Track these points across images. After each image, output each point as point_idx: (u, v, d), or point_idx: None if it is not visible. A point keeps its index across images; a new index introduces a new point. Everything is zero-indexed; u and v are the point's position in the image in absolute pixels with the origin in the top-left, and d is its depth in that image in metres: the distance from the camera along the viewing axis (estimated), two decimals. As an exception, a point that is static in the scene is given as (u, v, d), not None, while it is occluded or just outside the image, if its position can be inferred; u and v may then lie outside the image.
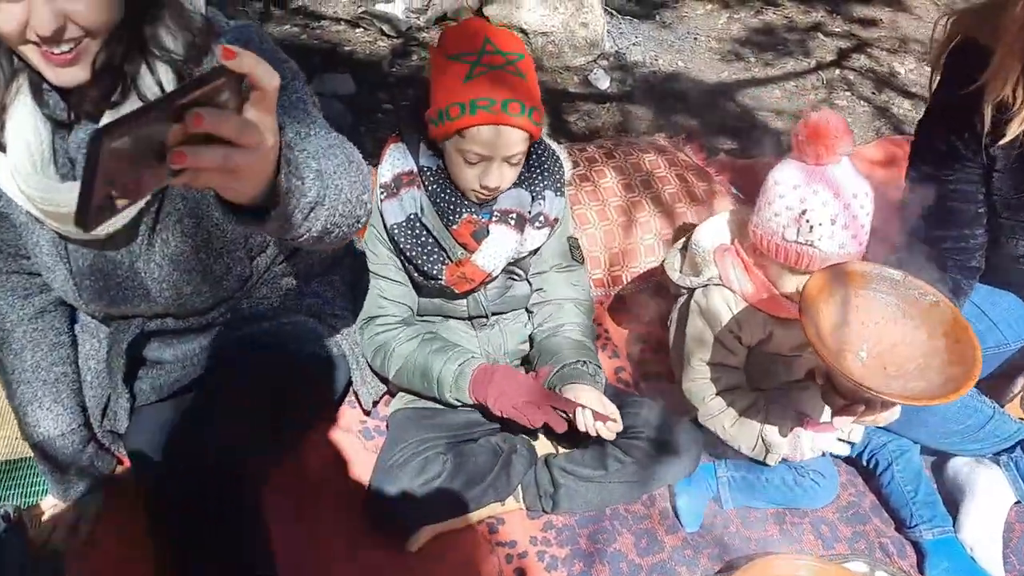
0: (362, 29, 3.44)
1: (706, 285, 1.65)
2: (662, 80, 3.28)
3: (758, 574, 1.52)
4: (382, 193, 1.61)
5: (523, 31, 3.26)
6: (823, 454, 1.53)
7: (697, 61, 3.42)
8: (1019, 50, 1.39)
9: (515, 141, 1.51)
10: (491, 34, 1.52)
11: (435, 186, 1.59)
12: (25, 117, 1.19)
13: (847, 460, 1.79)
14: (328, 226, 1.07)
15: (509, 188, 1.61)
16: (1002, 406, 1.72)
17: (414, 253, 1.60)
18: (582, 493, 1.64)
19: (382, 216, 1.61)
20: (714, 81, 3.21)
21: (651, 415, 1.66)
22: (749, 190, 2.38)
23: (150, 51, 1.18)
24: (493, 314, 1.71)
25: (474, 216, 1.61)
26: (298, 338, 1.54)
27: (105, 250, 1.31)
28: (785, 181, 1.54)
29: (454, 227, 1.60)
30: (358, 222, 1.18)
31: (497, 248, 1.60)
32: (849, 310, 1.45)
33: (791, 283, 1.58)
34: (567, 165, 1.74)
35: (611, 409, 1.55)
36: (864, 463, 1.75)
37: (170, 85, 1.19)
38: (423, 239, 1.60)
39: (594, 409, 1.52)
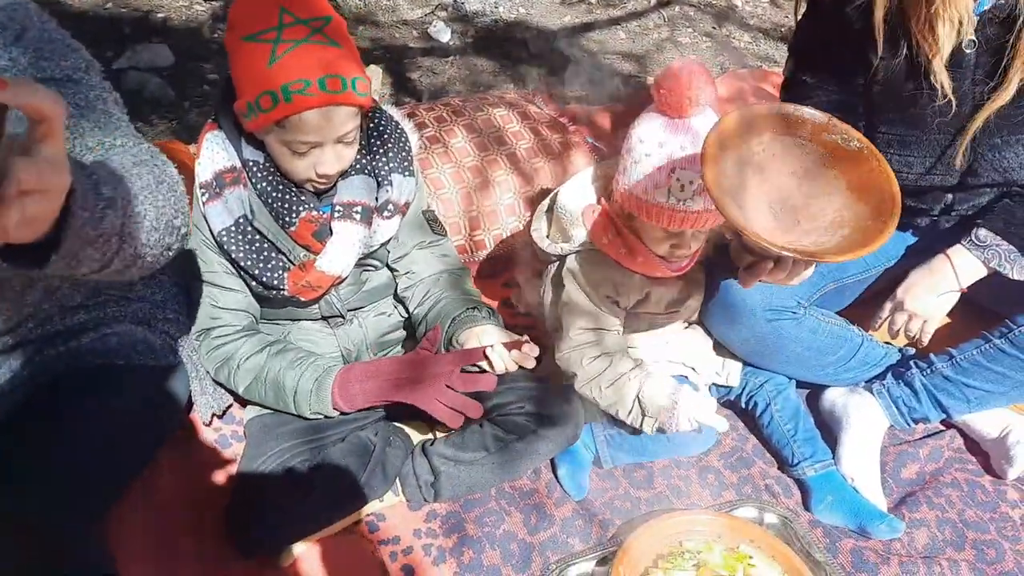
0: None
1: (578, 251, 1.57)
2: (504, 29, 3.16)
3: (651, 539, 1.48)
4: (204, 194, 1.43)
5: (349, -13, 3.06)
6: (699, 429, 1.49)
7: (539, 7, 3.31)
8: None
9: (344, 119, 1.35)
10: (286, 1, 1.30)
11: (264, 183, 1.42)
12: None
13: (727, 404, 1.78)
14: (128, 260, 0.91)
15: (350, 175, 1.45)
16: (869, 332, 1.73)
17: (249, 263, 1.43)
18: (464, 478, 1.54)
19: (206, 220, 1.42)
20: (557, 27, 3.12)
21: (529, 388, 1.58)
22: (605, 139, 2.32)
23: None
24: (350, 311, 1.58)
25: (313, 213, 1.44)
26: (126, 350, 1.36)
27: None
28: (650, 138, 1.46)
29: (292, 228, 1.43)
30: (168, 250, 1.02)
31: (342, 248, 1.45)
32: (765, 159, 1.37)
33: (664, 243, 1.52)
34: (413, 137, 1.59)
35: (519, 336, 1.45)
36: (743, 405, 1.73)
37: None
38: (257, 245, 1.43)
39: (503, 343, 1.42)
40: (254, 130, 1.37)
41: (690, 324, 1.71)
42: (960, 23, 1.36)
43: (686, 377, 1.65)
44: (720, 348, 1.71)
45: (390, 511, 1.55)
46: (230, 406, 1.60)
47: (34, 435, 1.20)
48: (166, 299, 1.47)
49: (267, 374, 1.48)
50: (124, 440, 1.30)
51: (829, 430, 1.71)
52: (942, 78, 1.40)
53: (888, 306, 1.61)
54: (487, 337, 1.46)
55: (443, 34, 3.06)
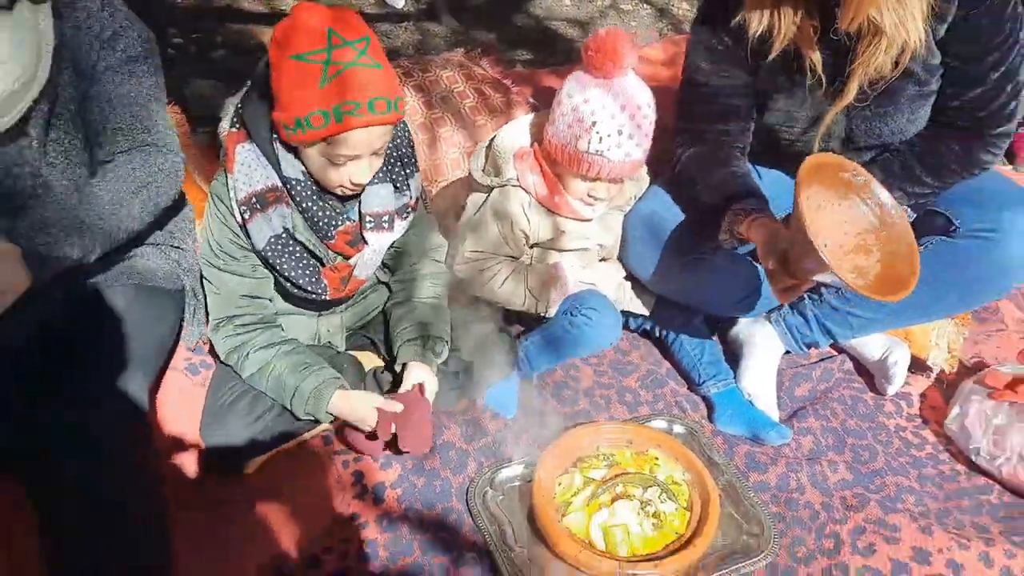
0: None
1: (504, 185, 1.77)
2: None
3: (571, 445, 1.70)
4: (244, 211, 1.51)
5: None
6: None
7: (489, -24, 3.49)
8: None
9: (383, 135, 1.47)
10: (334, 22, 1.38)
11: (308, 203, 1.51)
12: None
13: (643, 334, 1.99)
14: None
15: (374, 183, 1.57)
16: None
17: (293, 273, 1.55)
18: (408, 402, 1.74)
19: (248, 235, 1.52)
20: (506, -6, 3.29)
21: (467, 328, 1.78)
22: (547, 100, 2.50)
23: None
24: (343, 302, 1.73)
25: (349, 224, 1.56)
26: (149, 274, 1.54)
27: None
28: (576, 94, 1.67)
29: (331, 241, 1.55)
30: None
31: (375, 254, 1.61)
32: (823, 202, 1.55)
33: (581, 188, 1.73)
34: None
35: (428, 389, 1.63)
36: (657, 335, 1.95)
37: None
38: (298, 256, 1.54)
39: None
40: (295, 141, 1.44)
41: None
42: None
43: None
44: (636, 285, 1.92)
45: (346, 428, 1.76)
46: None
47: (83, 352, 1.38)
48: (174, 230, 1.62)
49: (272, 370, 1.58)
50: (151, 352, 1.50)
51: (736, 357, 1.93)
52: (814, 59, 1.60)
53: None
54: (413, 375, 1.62)
55: (398, 2, 3.22)
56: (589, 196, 1.71)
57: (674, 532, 1.58)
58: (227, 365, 1.62)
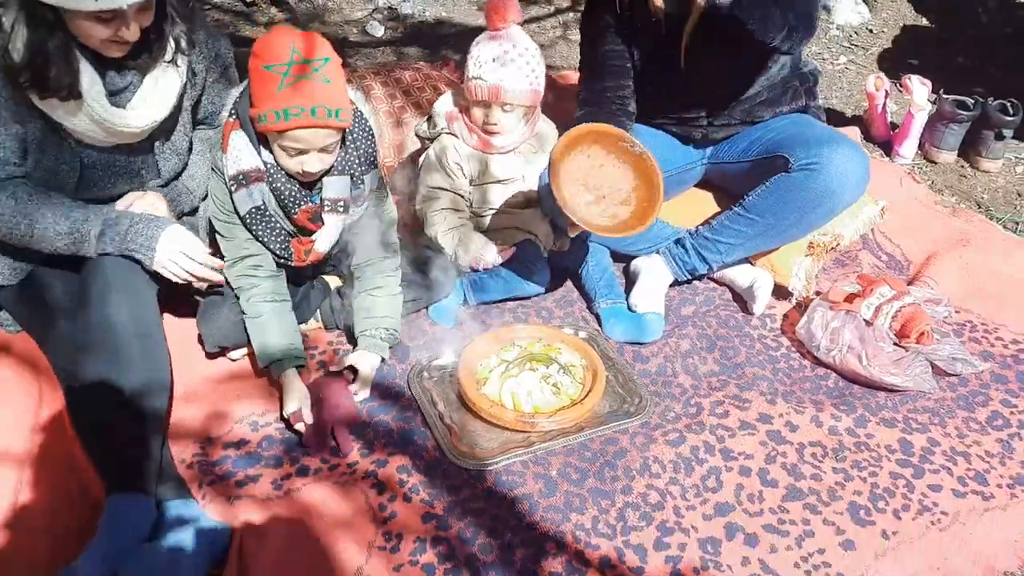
0: None
1: (438, 135, 2.25)
2: (430, 27, 3.86)
3: (491, 340, 2.13)
4: (232, 184, 1.88)
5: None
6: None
7: (458, 10, 4.03)
8: None
9: (325, 136, 1.81)
10: (299, 43, 1.75)
11: (277, 183, 1.89)
12: (86, 77, 1.73)
13: (564, 269, 2.43)
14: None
15: (333, 174, 1.93)
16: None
17: (266, 237, 1.94)
18: (363, 312, 2.17)
19: (233, 202, 1.90)
20: (474, 26, 3.81)
21: (415, 257, 2.23)
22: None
23: (172, 27, 1.82)
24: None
25: (310, 204, 1.95)
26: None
27: (116, 153, 1.88)
28: (476, 43, 2.20)
29: (294, 216, 1.94)
30: None
31: (332, 232, 1.99)
32: (589, 159, 2.10)
33: (479, 116, 2.21)
34: (375, 128, 2.09)
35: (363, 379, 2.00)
36: (570, 266, 2.40)
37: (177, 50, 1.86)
38: (270, 226, 1.94)
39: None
40: (262, 132, 1.84)
41: (531, 206, 2.38)
42: None
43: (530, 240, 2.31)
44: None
45: (312, 333, 2.19)
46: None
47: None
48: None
49: (262, 320, 1.95)
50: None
51: (633, 284, 2.36)
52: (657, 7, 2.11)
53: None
54: (355, 361, 1.99)
55: (377, 30, 3.75)
56: (486, 124, 2.18)
57: (569, 399, 2.00)
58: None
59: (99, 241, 1.80)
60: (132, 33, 1.71)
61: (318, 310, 2.20)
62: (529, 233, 2.30)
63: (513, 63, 2.14)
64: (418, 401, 2.00)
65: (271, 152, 1.87)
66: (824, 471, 1.87)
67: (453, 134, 2.25)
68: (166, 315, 2.10)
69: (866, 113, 3.28)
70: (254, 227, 1.93)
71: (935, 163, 3.09)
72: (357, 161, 1.96)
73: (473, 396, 1.96)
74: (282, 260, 1.99)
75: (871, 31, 4.14)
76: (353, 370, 2.00)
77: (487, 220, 2.30)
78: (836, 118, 3.38)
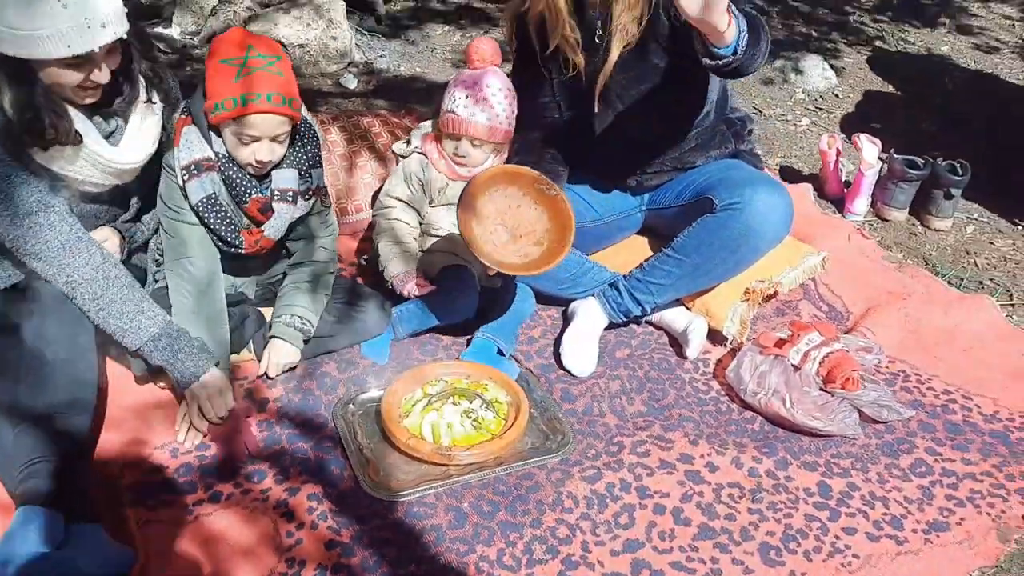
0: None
1: (412, 153, 2.35)
2: (402, 81, 3.95)
3: (418, 374, 2.14)
4: (184, 174, 1.98)
5: (281, 43, 3.85)
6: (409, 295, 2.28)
7: (432, 67, 4.13)
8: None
9: (278, 124, 1.95)
10: (253, 42, 1.95)
11: (229, 172, 2.00)
12: (80, 123, 1.85)
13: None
14: None
15: (282, 167, 2.05)
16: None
17: (217, 227, 2.03)
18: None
19: (184, 191, 2.00)
20: (443, 80, 3.91)
21: (349, 289, 2.29)
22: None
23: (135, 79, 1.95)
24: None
25: (259, 196, 2.06)
26: None
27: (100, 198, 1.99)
28: (455, 78, 2.28)
29: (245, 205, 2.05)
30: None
31: (281, 220, 2.08)
32: (506, 198, 2.15)
33: (449, 147, 2.29)
34: (320, 138, 2.24)
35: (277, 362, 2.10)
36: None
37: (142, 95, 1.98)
38: (221, 215, 2.03)
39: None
40: (216, 123, 1.95)
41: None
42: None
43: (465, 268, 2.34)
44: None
45: (244, 364, 2.21)
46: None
47: None
48: None
49: (186, 310, 2.03)
50: None
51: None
52: (578, 61, 2.19)
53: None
54: (274, 354, 2.10)
55: (350, 82, 3.85)
56: (455, 155, 2.25)
57: (490, 434, 2.00)
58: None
59: (153, 341, 1.92)
60: (103, 75, 1.80)
61: (251, 340, 2.22)
62: (466, 261, 2.32)
63: (485, 102, 2.22)
64: (340, 432, 2.00)
65: (223, 144, 2.00)
66: (739, 511, 1.86)
67: (424, 154, 2.31)
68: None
69: (821, 171, 3.33)
70: (205, 215, 2.01)
71: (887, 220, 3.13)
72: (304, 157, 2.09)
73: (393, 427, 1.96)
74: (232, 249, 2.06)
75: (837, 96, 4.23)
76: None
77: (432, 241, 2.34)
78: (793, 175, 3.44)
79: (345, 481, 1.89)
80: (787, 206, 2.18)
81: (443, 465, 1.92)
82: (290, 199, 2.08)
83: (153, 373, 2.05)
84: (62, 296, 1.87)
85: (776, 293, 2.47)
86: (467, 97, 2.21)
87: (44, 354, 1.79)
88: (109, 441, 1.94)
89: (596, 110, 2.28)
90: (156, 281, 2.14)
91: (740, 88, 4.19)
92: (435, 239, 2.35)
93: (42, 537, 1.61)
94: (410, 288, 2.25)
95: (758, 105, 4.09)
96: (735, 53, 1.83)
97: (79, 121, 1.84)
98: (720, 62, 1.85)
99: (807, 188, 3.18)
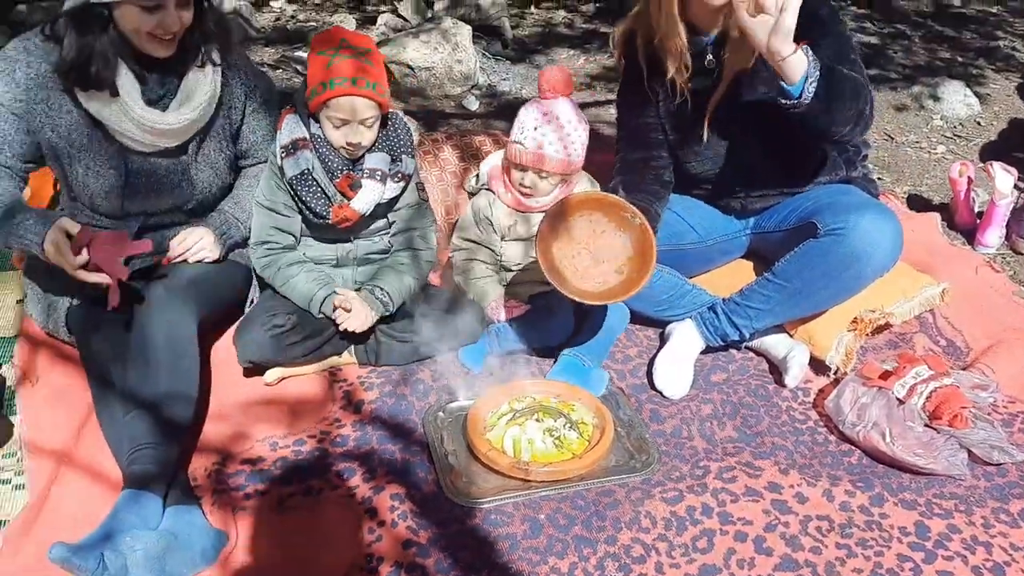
0: (281, 70, 4.20)
1: (480, 190, 2.37)
2: (522, 104, 4.03)
3: (508, 390, 2.17)
4: (282, 152, 2.13)
5: (409, 66, 4.02)
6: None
7: (554, 90, 4.21)
8: (658, 29, 2.13)
9: (365, 107, 2.06)
10: (347, 36, 2.09)
11: (323, 150, 2.14)
12: (127, 85, 2.00)
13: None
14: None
15: (375, 151, 2.19)
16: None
17: (308, 198, 2.17)
18: (397, 348, 2.28)
19: (282, 170, 2.14)
20: (565, 104, 3.97)
21: (447, 298, 2.34)
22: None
23: (206, 38, 2.08)
24: (355, 237, 2.32)
25: (350, 172, 2.19)
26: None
27: (158, 159, 2.12)
28: (525, 108, 2.31)
29: (336, 180, 2.18)
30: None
31: (368, 196, 2.19)
32: (589, 225, 2.15)
33: (516, 177, 2.32)
34: (415, 134, 2.43)
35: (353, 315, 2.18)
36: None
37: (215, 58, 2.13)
38: (313, 188, 2.17)
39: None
40: (312, 108, 2.10)
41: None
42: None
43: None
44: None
45: (346, 367, 2.30)
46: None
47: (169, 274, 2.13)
48: None
49: (292, 281, 2.20)
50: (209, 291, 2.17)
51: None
52: (686, 85, 2.17)
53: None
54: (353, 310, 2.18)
55: (472, 104, 3.97)
56: (522, 185, 2.27)
57: (571, 453, 2.00)
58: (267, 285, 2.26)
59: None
60: (173, 22, 1.95)
61: (352, 344, 2.31)
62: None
63: (554, 134, 2.23)
64: (428, 438, 2.05)
65: (320, 128, 2.14)
66: (826, 545, 1.78)
67: (492, 191, 2.35)
68: (219, 343, 2.30)
69: (952, 200, 3.16)
70: (299, 188, 2.14)
71: (1021, 254, 2.93)
72: (396, 143, 2.21)
73: (475, 438, 2.00)
74: (319, 220, 2.19)
75: (979, 123, 4.01)
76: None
77: (514, 275, 2.37)
78: (922, 204, 3.29)
79: (428, 485, 1.93)
80: (895, 233, 2.08)
81: (520, 479, 1.93)
82: (378, 178, 2.18)
83: (255, 364, 2.18)
84: (169, 290, 2.01)
85: (888, 324, 2.37)
86: (536, 128, 2.23)
87: (149, 346, 1.93)
88: (214, 431, 2.06)
89: (704, 136, 2.26)
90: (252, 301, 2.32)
91: (871, 114, 4.04)
92: (513, 272, 2.39)
93: (144, 516, 1.74)
94: (501, 315, 2.30)
95: (890, 131, 3.93)
96: (800, 96, 1.88)
97: (124, 77, 2.00)
98: (787, 102, 1.90)
99: (935, 217, 3.02)
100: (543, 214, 2.16)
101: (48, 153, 2.08)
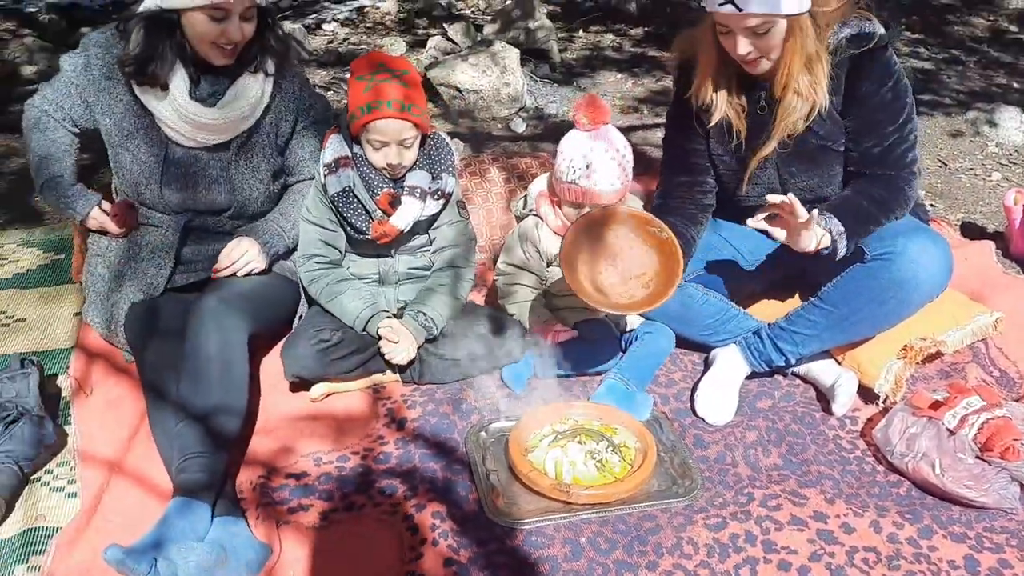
0: (332, 91, 4.29)
1: (527, 215, 2.38)
2: (568, 126, 4.04)
3: (549, 412, 2.17)
4: (326, 170, 2.21)
5: (457, 88, 4.07)
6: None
7: (601, 113, 4.22)
8: (713, 67, 2.14)
9: (404, 129, 2.15)
10: (384, 60, 2.20)
11: (363, 168, 2.23)
12: (178, 81, 2.14)
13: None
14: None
15: (415, 169, 2.25)
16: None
17: (349, 214, 2.23)
18: (440, 367, 2.30)
19: (325, 187, 2.23)
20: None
21: (491, 317, 2.36)
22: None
23: (264, 51, 2.22)
24: (397, 252, 2.36)
25: (391, 190, 2.25)
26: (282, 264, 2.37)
27: (199, 153, 2.23)
28: (564, 141, 2.29)
29: (376, 197, 2.24)
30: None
31: (408, 213, 2.24)
32: (617, 238, 2.17)
33: (572, 213, 2.31)
34: (456, 154, 2.47)
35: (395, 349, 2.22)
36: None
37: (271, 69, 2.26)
38: (354, 205, 2.23)
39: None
40: (355, 132, 2.20)
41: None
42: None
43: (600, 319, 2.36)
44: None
45: (389, 384, 2.33)
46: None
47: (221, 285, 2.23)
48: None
49: (340, 299, 2.26)
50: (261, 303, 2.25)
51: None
52: (740, 127, 2.17)
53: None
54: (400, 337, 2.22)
55: (519, 126, 4.00)
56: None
57: (613, 477, 1.99)
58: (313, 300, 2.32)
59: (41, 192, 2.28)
60: (235, 33, 2.08)
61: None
62: (598, 311, 2.33)
63: (605, 167, 2.22)
64: (470, 457, 2.06)
65: (362, 148, 2.22)
66: (872, 577, 1.75)
67: (539, 216, 2.36)
68: (267, 359, 2.34)
69: (1007, 228, 3.09)
70: (340, 205, 2.22)
71: (1080, 284, 2.85)
72: (437, 162, 2.28)
73: (516, 458, 2.00)
74: (360, 235, 2.25)
75: (1036, 150, 3.92)
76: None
77: (562, 299, 2.38)
78: (976, 232, 3.23)
79: (469, 504, 1.94)
80: (944, 257, 2.05)
81: (561, 501, 1.93)
82: (418, 195, 2.24)
83: (301, 378, 2.21)
84: (221, 302, 2.06)
85: (940, 353, 2.33)
86: (587, 166, 2.21)
87: (201, 357, 1.98)
88: (261, 444, 2.10)
89: (748, 177, 2.26)
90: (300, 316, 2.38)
91: (924, 138, 3.99)
92: (560, 297, 2.39)
93: (193, 524, 1.77)
94: (546, 339, 2.31)
95: (943, 157, 3.87)
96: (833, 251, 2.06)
97: (177, 77, 2.14)
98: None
99: (989, 246, 2.96)
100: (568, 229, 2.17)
101: (105, 140, 2.27)
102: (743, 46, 2.02)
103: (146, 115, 2.20)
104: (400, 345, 2.21)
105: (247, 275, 2.23)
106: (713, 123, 2.19)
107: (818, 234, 2.02)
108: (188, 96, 2.15)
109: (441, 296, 2.31)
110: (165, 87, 2.13)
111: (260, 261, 2.25)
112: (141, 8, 2.12)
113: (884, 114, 2.08)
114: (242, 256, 2.22)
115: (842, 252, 2.07)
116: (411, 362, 2.27)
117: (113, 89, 2.20)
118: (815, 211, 1.96)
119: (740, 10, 1.94)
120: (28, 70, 4.58)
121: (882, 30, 2.08)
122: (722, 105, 2.15)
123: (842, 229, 2.06)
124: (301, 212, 2.31)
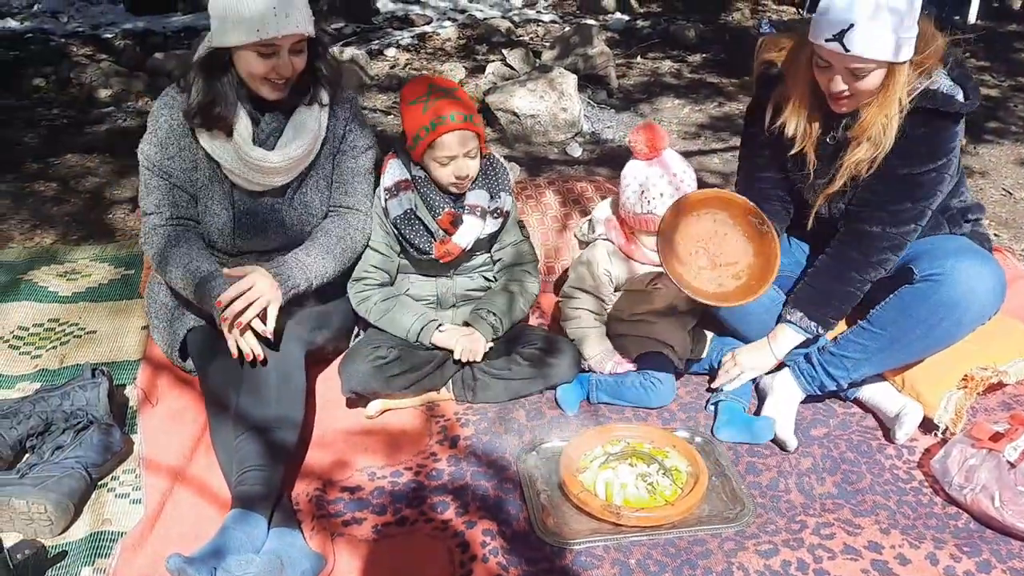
0: (392, 115, 4.39)
1: (595, 240, 2.40)
2: (625, 151, 4.05)
3: (600, 434, 2.18)
4: (386, 195, 2.31)
5: (515, 113, 4.13)
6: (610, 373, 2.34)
7: (660, 138, 4.24)
8: (798, 91, 2.12)
9: (467, 139, 2.22)
10: (432, 81, 2.29)
11: (424, 189, 2.30)
12: (241, 125, 2.14)
13: (693, 373, 2.44)
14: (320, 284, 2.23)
15: (474, 188, 2.32)
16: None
17: (411, 236, 2.30)
18: (493, 386, 2.33)
19: (386, 210, 2.31)
20: (668, 152, 4.00)
21: (544, 338, 2.39)
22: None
23: (317, 81, 2.21)
24: (455, 272, 2.43)
25: (452, 210, 2.32)
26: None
27: (262, 198, 2.24)
28: (630, 174, 2.32)
29: (438, 217, 2.31)
30: (343, 273, 2.30)
31: (469, 231, 2.31)
32: (713, 224, 2.15)
33: (650, 242, 2.31)
34: (512, 175, 2.51)
35: (467, 346, 2.29)
36: (706, 372, 2.40)
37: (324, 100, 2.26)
38: (416, 226, 2.31)
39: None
40: (416, 155, 2.27)
41: (670, 316, 2.43)
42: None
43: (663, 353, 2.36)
44: (696, 331, 2.43)
45: (443, 403, 2.36)
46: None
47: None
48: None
49: (391, 314, 2.33)
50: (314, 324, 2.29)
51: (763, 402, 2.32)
52: (812, 158, 2.16)
53: (728, 356, 2.33)
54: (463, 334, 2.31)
55: (575, 150, 4.04)
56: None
57: (664, 500, 1.99)
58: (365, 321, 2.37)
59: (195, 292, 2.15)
60: (286, 67, 2.08)
61: (450, 380, 2.37)
62: (663, 344, 2.34)
63: (678, 191, 2.25)
64: (521, 476, 2.08)
65: (422, 169, 2.29)
66: (928, 611, 1.72)
67: (609, 240, 2.39)
68: (323, 375, 2.40)
69: (1075, 258, 3.02)
70: (403, 227, 2.30)
71: None
72: (494, 181, 2.36)
73: (567, 479, 2.01)
74: (423, 256, 2.31)
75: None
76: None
77: (625, 325, 2.39)
78: (1041, 261, 3.15)
79: (519, 522, 1.96)
80: (995, 278, 2.02)
81: (611, 522, 1.93)
82: (478, 214, 2.31)
83: (358, 394, 2.26)
84: (279, 318, 2.11)
85: (1001, 383, 2.28)
86: (662, 195, 2.24)
87: (260, 371, 2.04)
88: (317, 458, 2.15)
89: (815, 209, 2.26)
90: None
91: (989, 166, 3.92)
92: (627, 323, 2.40)
93: (250, 535, 1.82)
94: (610, 367, 2.33)
95: (1008, 186, 3.80)
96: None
97: (241, 119, 2.14)
98: None
99: (1054, 275, 2.89)
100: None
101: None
102: (839, 84, 2.00)
103: (211, 165, 2.19)
104: (472, 346, 2.28)
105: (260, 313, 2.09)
106: (794, 152, 2.18)
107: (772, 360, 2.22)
108: (251, 141, 2.15)
109: (508, 296, 2.37)
110: (230, 132, 2.13)
111: (275, 298, 2.09)
112: (195, 57, 2.13)
113: (913, 188, 2.08)
114: (247, 305, 2.06)
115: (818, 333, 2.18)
116: (464, 380, 2.32)
117: (185, 146, 2.18)
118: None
119: (847, 51, 1.92)
120: (104, 93, 4.78)
121: (961, 98, 2.03)
122: (803, 138, 2.14)
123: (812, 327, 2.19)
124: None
